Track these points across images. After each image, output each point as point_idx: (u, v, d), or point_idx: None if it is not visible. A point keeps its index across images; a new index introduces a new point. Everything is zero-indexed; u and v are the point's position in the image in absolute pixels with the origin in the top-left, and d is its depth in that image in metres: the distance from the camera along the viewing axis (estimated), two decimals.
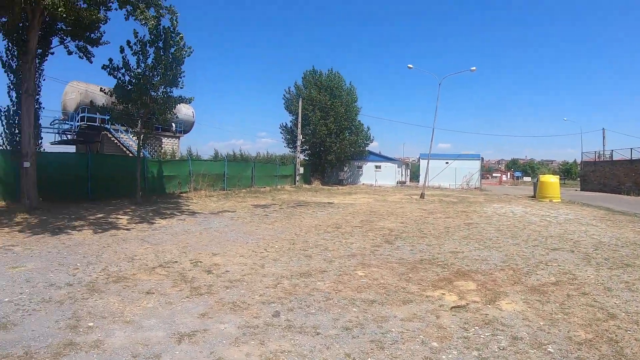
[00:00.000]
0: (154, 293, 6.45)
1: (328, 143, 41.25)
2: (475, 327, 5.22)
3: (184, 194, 24.29)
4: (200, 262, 8.56)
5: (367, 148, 47.22)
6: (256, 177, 33.18)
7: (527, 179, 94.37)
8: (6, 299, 6.14)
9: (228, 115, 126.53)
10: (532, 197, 30.69)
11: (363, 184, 48.03)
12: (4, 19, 15.26)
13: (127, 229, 12.50)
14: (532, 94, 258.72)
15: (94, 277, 7.27)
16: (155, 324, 5.25)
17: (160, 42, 18.20)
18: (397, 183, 49.11)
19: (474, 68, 32.00)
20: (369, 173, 49.27)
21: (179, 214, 16.27)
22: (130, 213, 15.91)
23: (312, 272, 7.89)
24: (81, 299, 6.12)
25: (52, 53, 17.72)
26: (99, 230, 12.11)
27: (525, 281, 7.47)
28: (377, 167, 49.36)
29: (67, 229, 12.18)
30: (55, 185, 18.53)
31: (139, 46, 18.26)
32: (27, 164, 15.61)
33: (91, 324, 5.19)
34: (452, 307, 5.88)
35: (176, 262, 8.53)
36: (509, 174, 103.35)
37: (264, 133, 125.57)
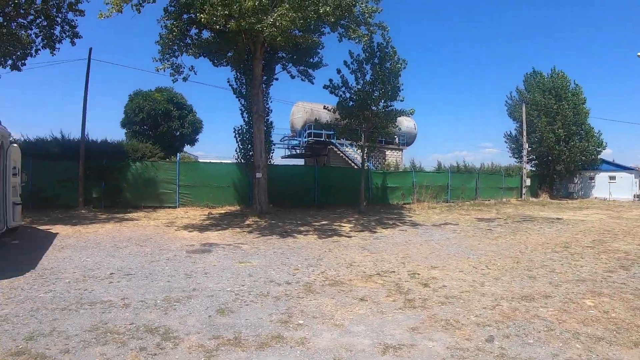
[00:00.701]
0: (367, 300, 6.28)
1: (556, 151, 36.53)
2: None
3: (406, 205, 24.43)
4: (418, 274, 8.11)
5: (599, 156, 40.55)
6: (480, 189, 31.49)
7: None
8: (228, 289, 6.76)
9: (450, 126, 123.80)
10: None
11: (595, 197, 40.91)
12: (230, 54, 17.99)
13: (349, 236, 12.86)
14: None
15: (312, 279, 7.52)
16: (363, 331, 5.04)
17: (376, 59, 18.95)
18: (634, 197, 40.69)
19: None
20: (601, 185, 41.80)
21: (400, 224, 16.21)
22: (353, 221, 16.49)
23: (535, 295, 6.73)
24: (296, 297, 6.32)
25: (277, 79, 20.40)
26: (323, 236, 12.76)
27: None
28: (611, 177, 41.49)
29: (293, 233, 13.20)
30: (284, 193, 20.79)
31: (355, 65, 19.36)
32: (259, 175, 17.78)
33: (301, 322, 5.26)
34: None
35: (393, 272, 8.27)
36: None
37: (488, 143, 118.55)
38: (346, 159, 32.81)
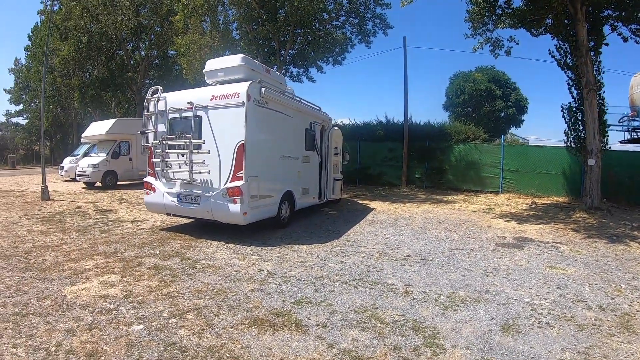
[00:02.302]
0: None
1: None
2: None
3: None
4: None
5: None
6: None
7: None
8: (526, 299, 5.82)
9: None
10: None
11: None
12: (549, 21, 15.77)
13: None
14: None
15: (634, 309, 5.72)
16: None
17: None
18: None
19: None
20: None
21: None
22: None
23: None
24: (605, 333, 4.86)
25: (607, 44, 16.54)
26: None
27: None
28: None
29: (626, 239, 10.70)
30: (621, 186, 17.24)
31: None
32: (591, 162, 15.11)
33: None
34: None
35: None
36: None
37: None
38: None
